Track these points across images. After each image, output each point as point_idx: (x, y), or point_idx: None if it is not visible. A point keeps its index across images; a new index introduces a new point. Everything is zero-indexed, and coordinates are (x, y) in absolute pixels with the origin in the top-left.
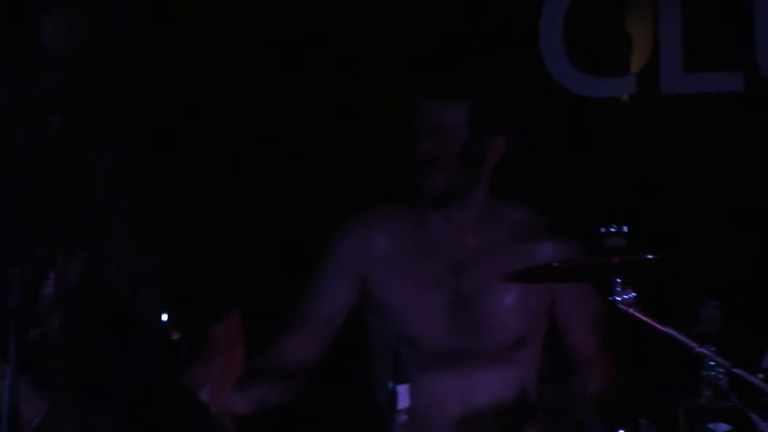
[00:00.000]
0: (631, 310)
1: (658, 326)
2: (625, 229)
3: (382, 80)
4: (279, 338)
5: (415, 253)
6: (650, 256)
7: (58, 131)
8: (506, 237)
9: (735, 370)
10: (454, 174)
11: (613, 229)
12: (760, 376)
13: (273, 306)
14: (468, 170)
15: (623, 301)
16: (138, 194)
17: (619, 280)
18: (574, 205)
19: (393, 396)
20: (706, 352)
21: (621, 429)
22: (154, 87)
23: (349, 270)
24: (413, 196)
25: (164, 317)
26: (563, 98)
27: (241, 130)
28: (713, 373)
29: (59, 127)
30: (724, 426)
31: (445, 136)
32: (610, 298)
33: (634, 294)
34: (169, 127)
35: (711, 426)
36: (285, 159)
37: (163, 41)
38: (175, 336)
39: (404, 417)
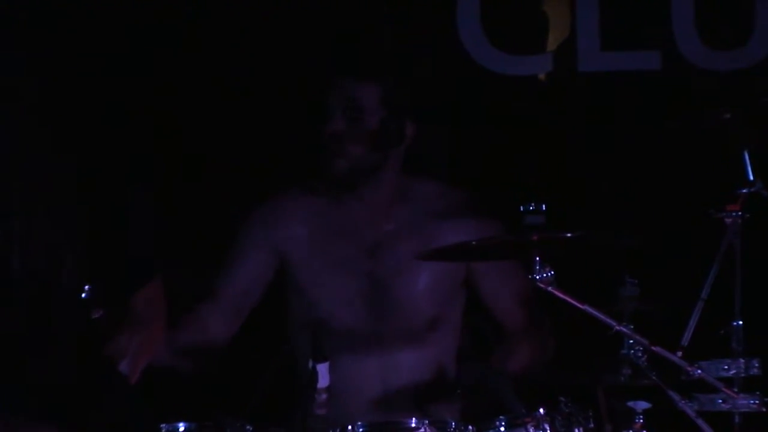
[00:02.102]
0: (550, 288)
1: (577, 304)
2: (544, 207)
3: (297, 60)
4: (193, 311)
5: (330, 236)
6: (568, 234)
7: None
8: (422, 216)
9: (654, 348)
10: (363, 154)
11: (531, 207)
12: (679, 354)
13: (191, 287)
14: (377, 151)
15: (542, 280)
16: (49, 170)
17: (538, 258)
18: (493, 184)
19: (313, 375)
20: (624, 330)
21: (540, 407)
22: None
23: (265, 244)
24: (324, 177)
25: (83, 294)
26: (481, 76)
27: (159, 108)
28: (632, 351)
29: None
30: (643, 404)
31: (356, 115)
32: (529, 276)
33: (552, 272)
34: (81, 104)
35: (630, 404)
36: (204, 139)
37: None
38: (97, 314)
39: (324, 396)
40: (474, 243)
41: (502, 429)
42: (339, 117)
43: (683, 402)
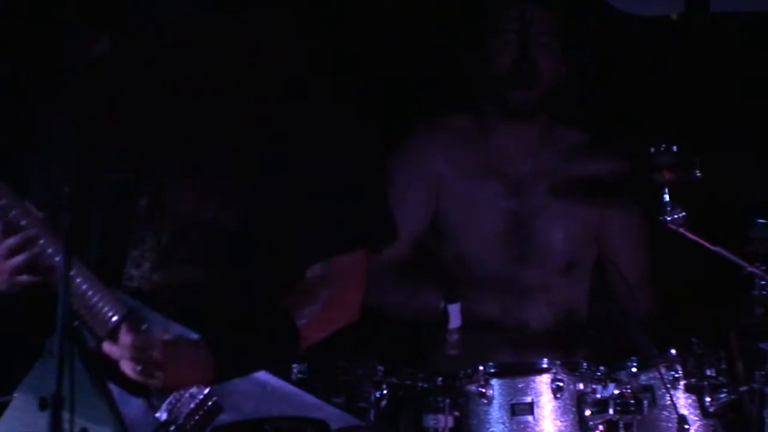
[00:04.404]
0: (681, 230)
1: (708, 246)
2: (675, 148)
3: None
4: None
5: (476, 172)
6: (699, 174)
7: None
8: (562, 160)
9: None
10: (549, 86)
11: (662, 148)
12: None
13: None
14: (556, 82)
15: (673, 221)
16: (267, 122)
17: (668, 199)
18: (624, 125)
19: (444, 315)
20: (756, 271)
21: (672, 348)
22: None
23: (425, 177)
24: (483, 109)
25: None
26: (613, 17)
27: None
28: (764, 292)
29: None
30: None
31: (545, 41)
32: (660, 218)
33: (683, 213)
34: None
35: (762, 345)
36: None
37: None
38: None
39: (455, 336)
40: (607, 178)
41: (634, 370)
42: (524, 47)
43: None
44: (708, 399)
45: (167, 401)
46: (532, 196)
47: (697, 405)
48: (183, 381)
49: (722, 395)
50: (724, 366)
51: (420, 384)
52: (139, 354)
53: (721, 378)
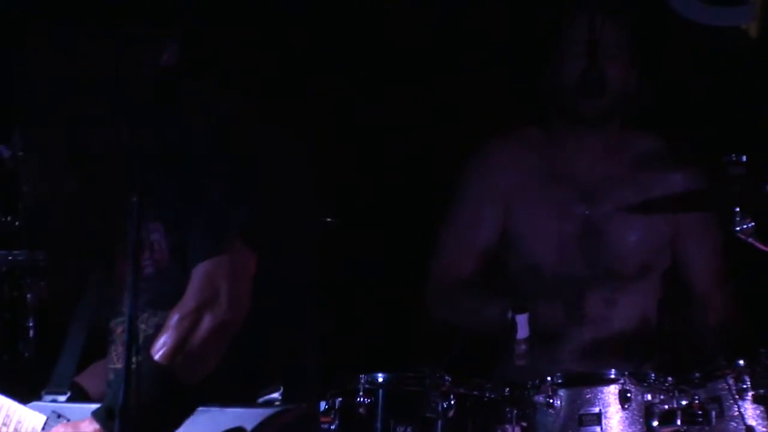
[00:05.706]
0: (750, 240)
1: None
2: (744, 158)
3: None
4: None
5: (546, 180)
6: None
7: None
8: (633, 166)
9: None
10: (618, 93)
11: (732, 158)
12: None
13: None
14: (626, 92)
15: (742, 231)
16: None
17: (738, 209)
18: (694, 134)
19: (512, 325)
20: None
21: (740, 359)
22: None
23: (492, 195)
24: (552, 118)
25: None
26: (683, 27)
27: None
28: None
29: None
30: None
31: (616, 52)
32: (730, 227)
33: (753, 223)
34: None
35: None
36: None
37: None
38: None
39: (523, 347)
40: (677, 197)
41: (702, 380)
42: (594, 53)
43: None
44: None
45: None
46: (602, 202)
47: (765, 416)
48: None
49: None
50: None
51: (487, 394)
52: None
53: None
